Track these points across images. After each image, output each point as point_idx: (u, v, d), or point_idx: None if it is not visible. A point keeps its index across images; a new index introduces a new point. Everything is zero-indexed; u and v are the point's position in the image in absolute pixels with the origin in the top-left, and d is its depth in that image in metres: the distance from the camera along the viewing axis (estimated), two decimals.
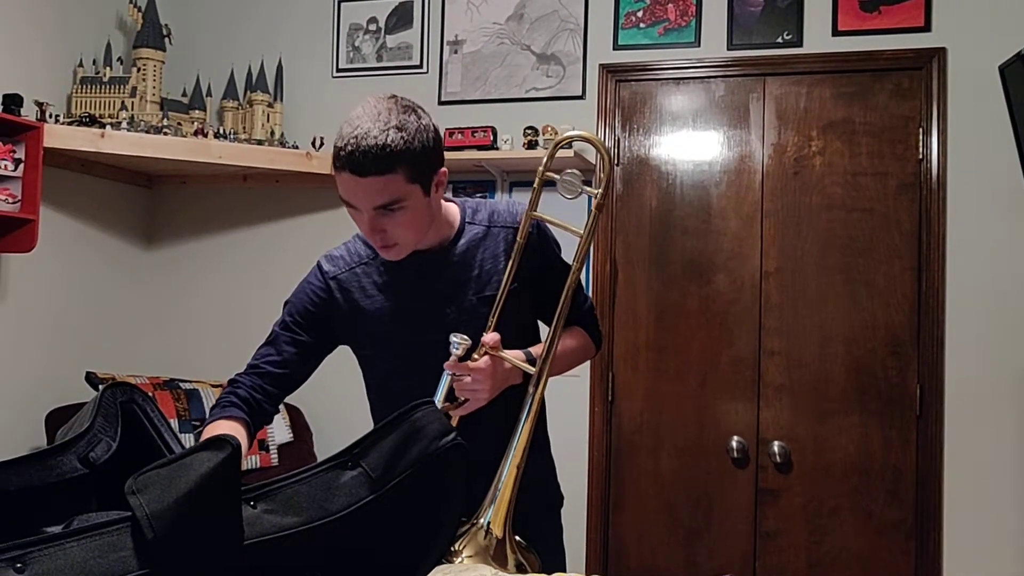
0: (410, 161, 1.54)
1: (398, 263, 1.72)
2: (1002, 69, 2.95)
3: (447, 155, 3.56)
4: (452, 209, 1.81)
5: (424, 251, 1.74)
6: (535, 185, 1.68)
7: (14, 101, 3.07)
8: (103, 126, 3.31)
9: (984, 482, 3.07)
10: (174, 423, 3.32)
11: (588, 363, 2.73)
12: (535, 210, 1.70)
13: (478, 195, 3.65)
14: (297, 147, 3.68)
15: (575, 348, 1.90)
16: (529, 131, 3.46)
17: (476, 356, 1.64)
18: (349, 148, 1.52)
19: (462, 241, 1.78)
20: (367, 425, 1.23)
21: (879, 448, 3.18)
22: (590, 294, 3.05)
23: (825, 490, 3.22)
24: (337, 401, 3.54)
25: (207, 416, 1.83)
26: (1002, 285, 3.09)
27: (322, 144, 3.67)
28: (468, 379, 1.62)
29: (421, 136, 1.56)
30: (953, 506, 3.10)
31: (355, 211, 1.62)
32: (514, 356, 1.66)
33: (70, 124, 3.29)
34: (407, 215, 1.60)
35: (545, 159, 1.66)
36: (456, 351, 1.61)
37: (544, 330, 1.77)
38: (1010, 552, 3.03)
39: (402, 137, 1.52)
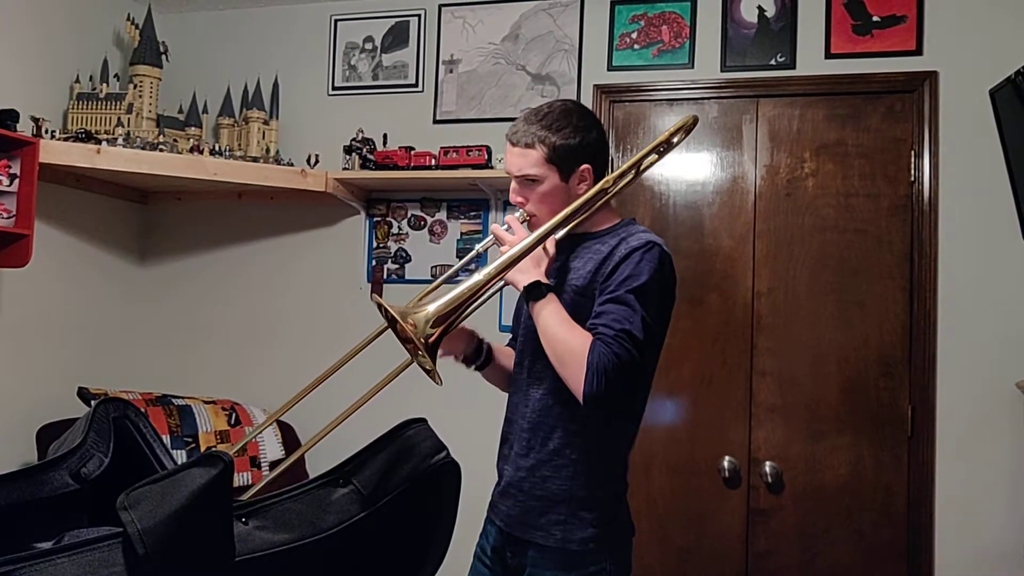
0: (551, 145, 1.89)
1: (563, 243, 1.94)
2: (992, 93, 2.97)
3: (441, 173, 3.58)
4: (614, 220, 2.01)
5: (570, 235, 1.94)
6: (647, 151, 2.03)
7: (10, 116, 3.07)
8: (99, 142, 3.32)
9: (975, 503, 3.08)
10: (166, 439, 3.31)
11: None
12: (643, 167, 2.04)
13: (472, 213, 3.66)
14: (292, 164, 3.68)
15: (566, 337, 1.77)
16: None
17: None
18: (513, 123, 1.96)
19: (594, 241, 1.96)
20: (359, 442, 1.23)
21: (871, 469, 3.18)
22: None
23: (817, 510, 3.22)
24: (329, 418, 3.53)
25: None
26: (993, 306, 3.11)
27: (317, 161, 3.68)
28: (504, 227, 1.91)
29: (569, 132, 1.90)
30: (944, 527, 3.10)
31: (512, 182, 1.97)
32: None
33: (66, 140, 3.29)
34: (542, 189, 1.92)
35: (660, 138, 2.04)
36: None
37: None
38: (1002, 574, 3.03)
39: (551, 125, 1.90)
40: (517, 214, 1.95)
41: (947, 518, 3.10)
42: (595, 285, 1.85)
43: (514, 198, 1.97)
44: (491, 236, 1.94)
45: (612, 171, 1.96)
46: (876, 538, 3.17)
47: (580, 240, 1.98)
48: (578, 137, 1.92)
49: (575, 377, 1.73)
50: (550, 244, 1.88)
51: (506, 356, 2.18)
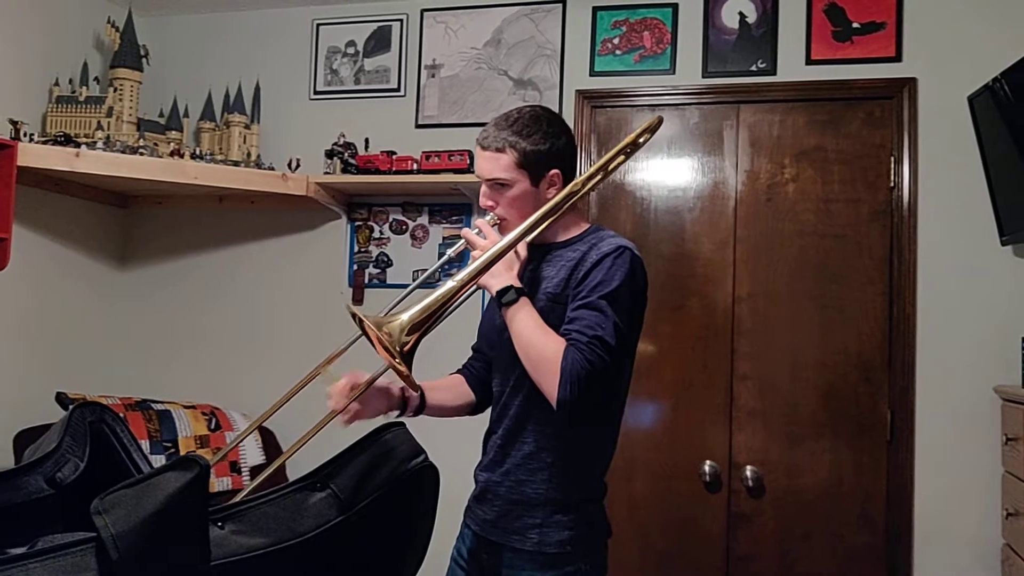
0: (521, 150, 1.90)
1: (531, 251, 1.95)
2: (971, 100, 3.01)
3: (422, 178, 3.57)
4: (583, 226, 2.02)
5: (538, 244, 1.94)
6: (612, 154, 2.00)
7: None
8: (78, 145, 3.30)
9: (954, 507, 3.10)
10: (145, 444, 3.28)
11: None
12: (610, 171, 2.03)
13: (454, 218, 3.66)
14: (273, 168, 3.67)
15: (540, 343, 1.76)
16: None
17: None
18: (484, 128, 1.96)
19: (565, 248, 1.96)
20: (337, 447, 1.23)
21: (850, 473, 3.20)
22: None
23: (797, 515, 3.23)
24: (309, 422, 3.51)
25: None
26: (972, 311, 3.13)
27: (298, 166, 3.67)
28: (476, 231, 1.90)
29: (539, 137, 1.92)
30: (923, 531, 3.12)
31: (482, 186, 1.97)
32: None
33: (45, 143, 3.27)
34: (512, 194, 1.92)
35: (627, 140, 2.01)
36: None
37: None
38: None
39: (522, 130, 1.92)
40: (488, 218, 1.95)
41: (926, 522, 3.12)
42: (568, 291, 1.85)
43: (484, 202, 1.97)
44: (463, 241, 1.93)
45: (581, 174, 1.97)
46: (855, 542, 3.18)
47: (551, 248, 1.98)
48: (548, 143, 1.93)
49: (549, 383, 1.73)
50: (522, 248, 1.88)
51: (443, 391, 2.13)
